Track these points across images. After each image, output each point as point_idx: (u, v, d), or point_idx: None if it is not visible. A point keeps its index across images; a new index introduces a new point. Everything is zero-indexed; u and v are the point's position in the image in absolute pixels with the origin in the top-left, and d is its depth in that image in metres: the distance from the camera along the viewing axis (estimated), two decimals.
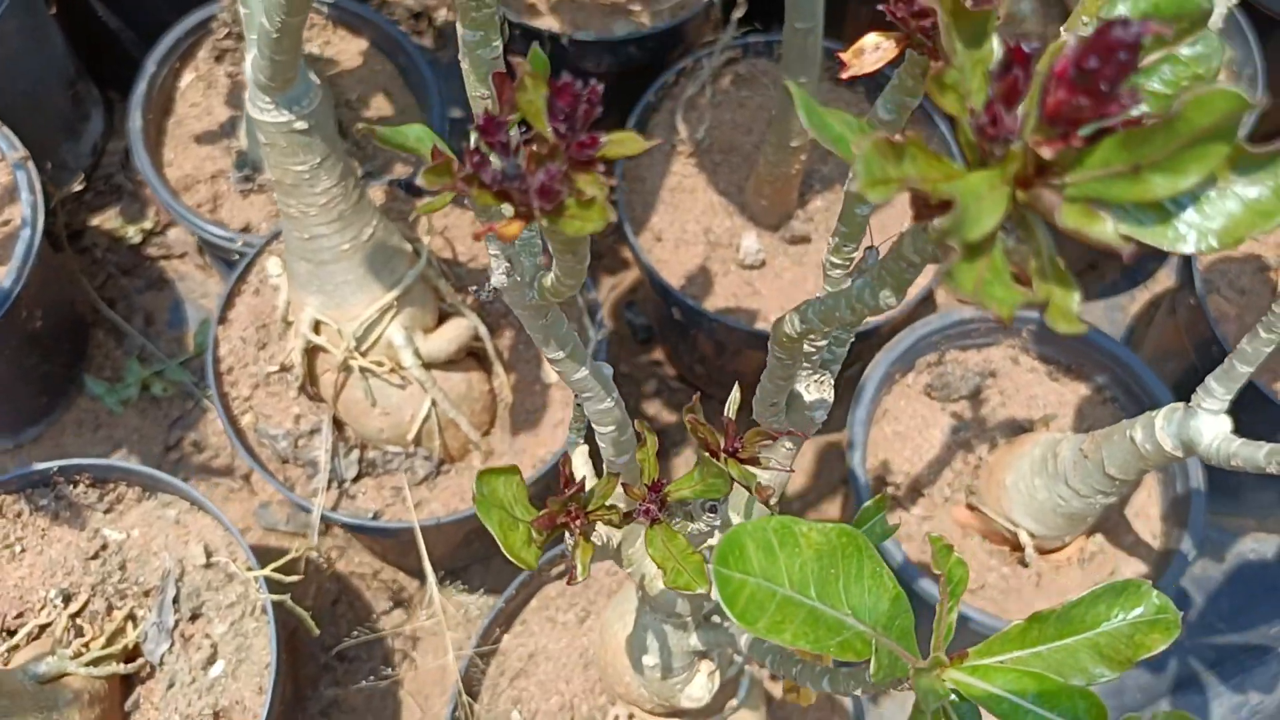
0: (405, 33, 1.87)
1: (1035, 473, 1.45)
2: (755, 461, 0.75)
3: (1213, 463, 1.17)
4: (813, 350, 0.89)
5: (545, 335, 0.82)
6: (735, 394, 0.81)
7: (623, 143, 0.56)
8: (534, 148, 0.55)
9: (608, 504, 0.74)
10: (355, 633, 1.66)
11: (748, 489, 0.73)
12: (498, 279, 0.74)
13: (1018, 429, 1.65)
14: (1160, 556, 1.57)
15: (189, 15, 1.80)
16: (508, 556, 0.69)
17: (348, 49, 1.88)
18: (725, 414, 0.78)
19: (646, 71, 1.80)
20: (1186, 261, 1.74)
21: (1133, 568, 1.57)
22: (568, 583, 0.74)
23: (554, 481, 1.54)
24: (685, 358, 1.94)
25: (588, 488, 0.98)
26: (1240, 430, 1.14)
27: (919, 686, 0.67)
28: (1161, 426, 1.23)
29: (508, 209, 0.57)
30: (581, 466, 1.06)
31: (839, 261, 0.85)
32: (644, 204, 1.76)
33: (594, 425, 0.92)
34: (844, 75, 0.60)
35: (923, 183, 0.47)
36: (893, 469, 1.63)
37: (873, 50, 0.61)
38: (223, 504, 1.85)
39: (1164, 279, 2.19)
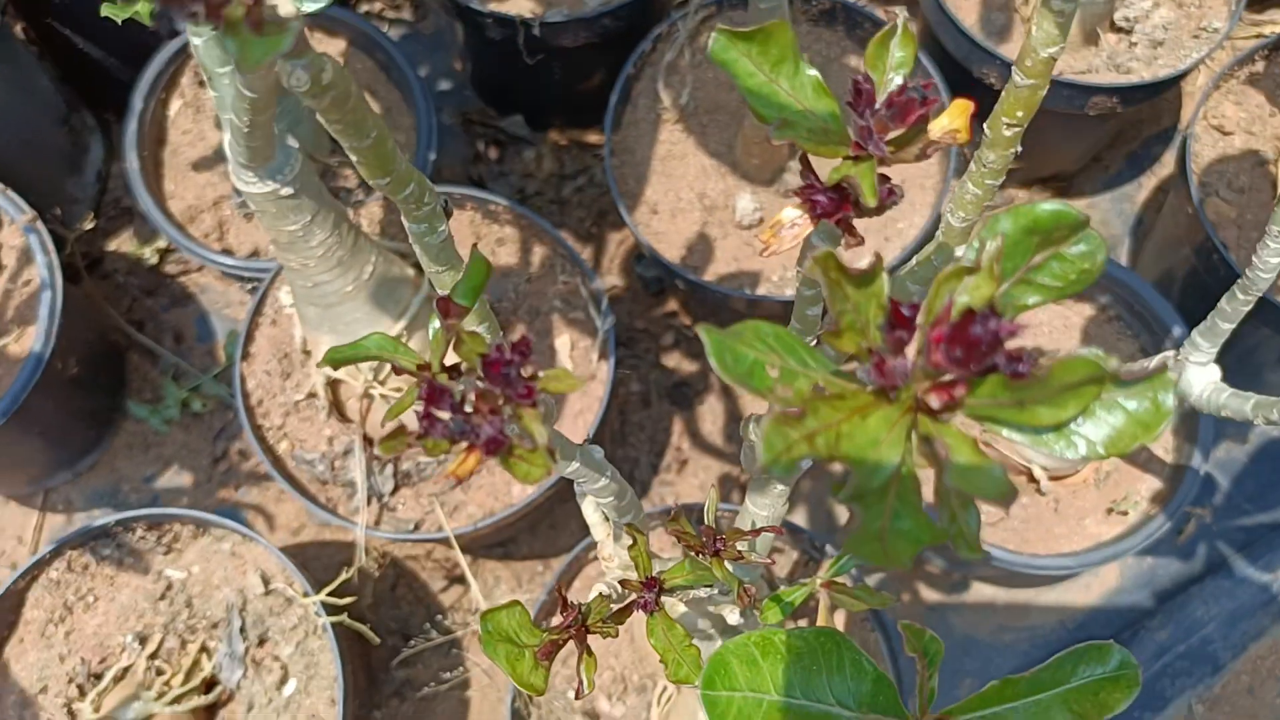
0: (381, 28, 1.87)
1: None
2: (738, 556, 0.81)
3: (1206, 411, 1.21)
4: None
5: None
6: (714, 495, 0.86)
7: (558, 378, 0.61)
8: (479, 403, 0.60)
9: (603, 620, 0.80)
10: (413, 642, 1.76)
11: (733, 592, 0.79)
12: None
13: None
14: (1173, 471, 1.61)
15: (168, 43, 1.81)
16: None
17: (327, 50, 1.88)
18: (705, 520, 0.84)
19: (625, 41, 1.80)
20: (1181, 168, 1.74)
21: (1147, 484, 1.62)
22: (576, 698, 0.81)
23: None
24: (697, 311, 1.98)
25: (598, 534, 1.04)
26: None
27: None
28: None
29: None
30: (593, 513, 1.12)
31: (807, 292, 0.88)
32: (636, 176, 1.77)
33: (595, 499, 0.99)
34: (765, 254, 0.64)
35: (823, 447, 0.51)
36: None
37: (789, 226, 0.64)
38: (277, 506, 1.95)
39: (1169, 162, 2.18)
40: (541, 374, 0.61)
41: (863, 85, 0.59)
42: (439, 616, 1.87)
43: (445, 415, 0.59)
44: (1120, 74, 1.76)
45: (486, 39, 1.84)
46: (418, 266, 1.54)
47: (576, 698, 0.78)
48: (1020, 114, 0.74)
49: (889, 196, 0.60)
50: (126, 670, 1.51)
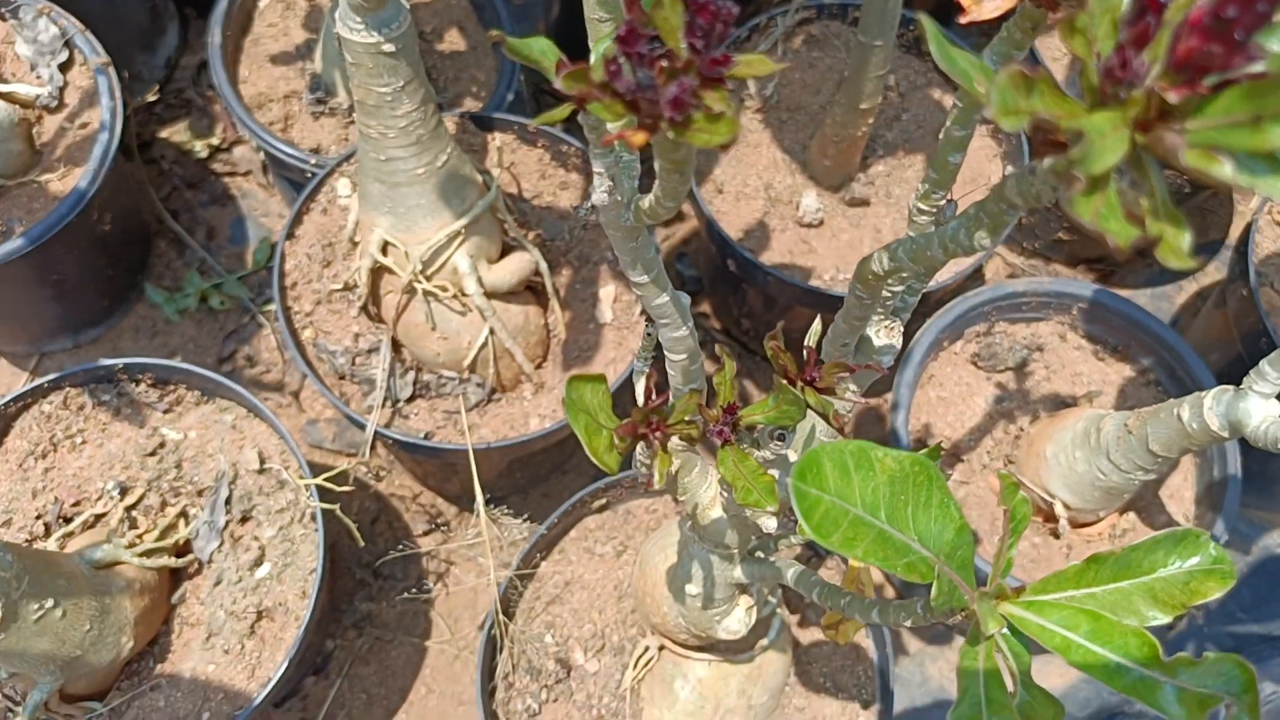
0: None
1: (1077, 445, 1.48)
2: (831, 391, 0.77)
3: (1259, 445, 1.19)
4: (888, 295, 0.92)
5: (634, 258, 0.84)
6: (817, 324, 0.84)
7: (753, 64, 0.58)
8: (666, 63, 0.58)
9: (687, 419, 0.77)
10: (401, 546, 1.70)
11: (824, 417, 0.76)
12: (599, 196, 0.77)
13: (1060, 404, 1.67)
14: None
15: None
16: (591, 458, 0.73)
17: None
18: (806, 343, 0.81)
19: None
20: (1241, 253, 1.75)
21: None
22: (646, 487, 0.77)
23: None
24: (733, 311, 1.96)
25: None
26: None
27: (979, 612, 0.70)
28: (1210, 406, 1.25)
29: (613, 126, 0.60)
30: (641, 393, 1.09)
31: (926, 208, 0.87)
32: (707, 155, 1.77)
33: (667, 352, 0.95)
34: (962, 20, 0.62)
35: (1051, 116, 0.49)
36: (934, 432, 1.65)
37: (975, 4, 0.63)
38: (275, 414, 1.89)
39: (1212, 272, 2.20)
40: (741, 58, 0.59)
41: None
42: (425, 550, 1.80)
43: (641, 72, 0.57)
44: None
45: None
46: (485, 172, 1.52)
47: (646, 488, 0.74)
48: None
49: None
50: (100, 518, 1.44)
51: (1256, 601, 1.96)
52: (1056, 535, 1.58)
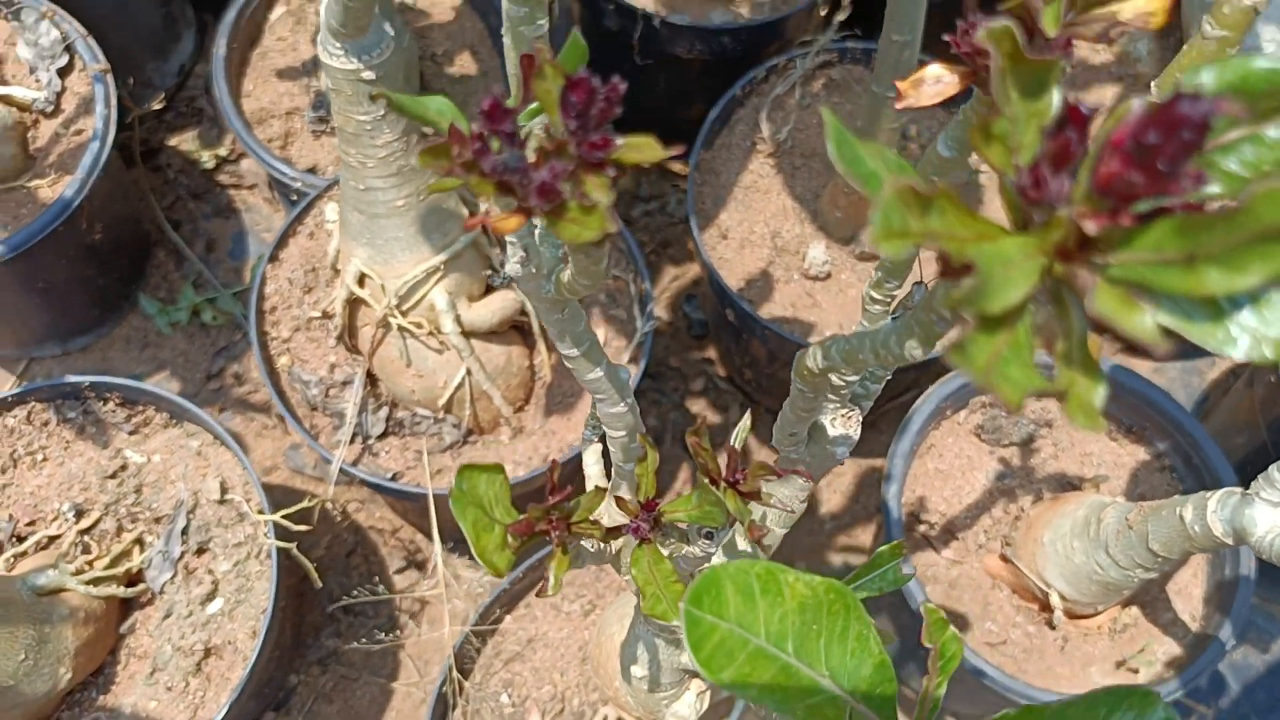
0: None
1: (1075, 535, 1.39)
2: (756, 495, 0.71)
3: (1264, 556, 1.10)
4: (842, 385, 0.85)
5: (560, 330, 0.78)
6: (746, 421, 0.77)
7: (640, 148, 0.52)
8: (542, 142, 0.51)
9: (591, 518, 0.70)
10: (356, 591, 1.65)
11: (740, 524, 0.69)
12: (512, 267, 0.71)
13: (1066, 485, 1.58)
14: (1196, 640, 1.49)
15: None
16: (476, 558, 0.66)
17: (442, 3, 1.85)
18: (731, 441, 0.74)
19: (738, 63, 1.75)
20: None
21: (1165, 648, 1.50)
22: (537, 594, 0.71)
23: (578, 470, 1.51)
24: (736, 360, 1.89)
25: (592, 487, 0.94)
26: None
27: None
28: (1214, 510, 1.16)
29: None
30: (593, 465, 1.02)
31: (879, 297, 0.80)
32: (714, 198, 1.71)
33: (606, 428, 0.89)
34: (898, 105, 0.56)
35: (945, 241, 0.42)
36: (929, 507, 1.57)
37: (933, 82, 0.56)
38: (255, 440, 1.85)
39: None
40: (625, 141, 0.53)
41: None
42: (388, 595, 1.75)
43: (500, 148, 0.50)
44: None
45: (603, 29, 1.80)
46: (470, 205, 1.47)
47: (538, 595, 0.68)
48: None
49: (1067, 47, 0.52)
50: (53, 540, 1.40)
51: (1272, 703, 1.85)
52: (1052, 625, 1.49)
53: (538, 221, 0.69)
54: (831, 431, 0.88)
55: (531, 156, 0.52)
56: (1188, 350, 2.09)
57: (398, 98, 0.59)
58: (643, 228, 2.06)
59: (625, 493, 0.94)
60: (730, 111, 1.74)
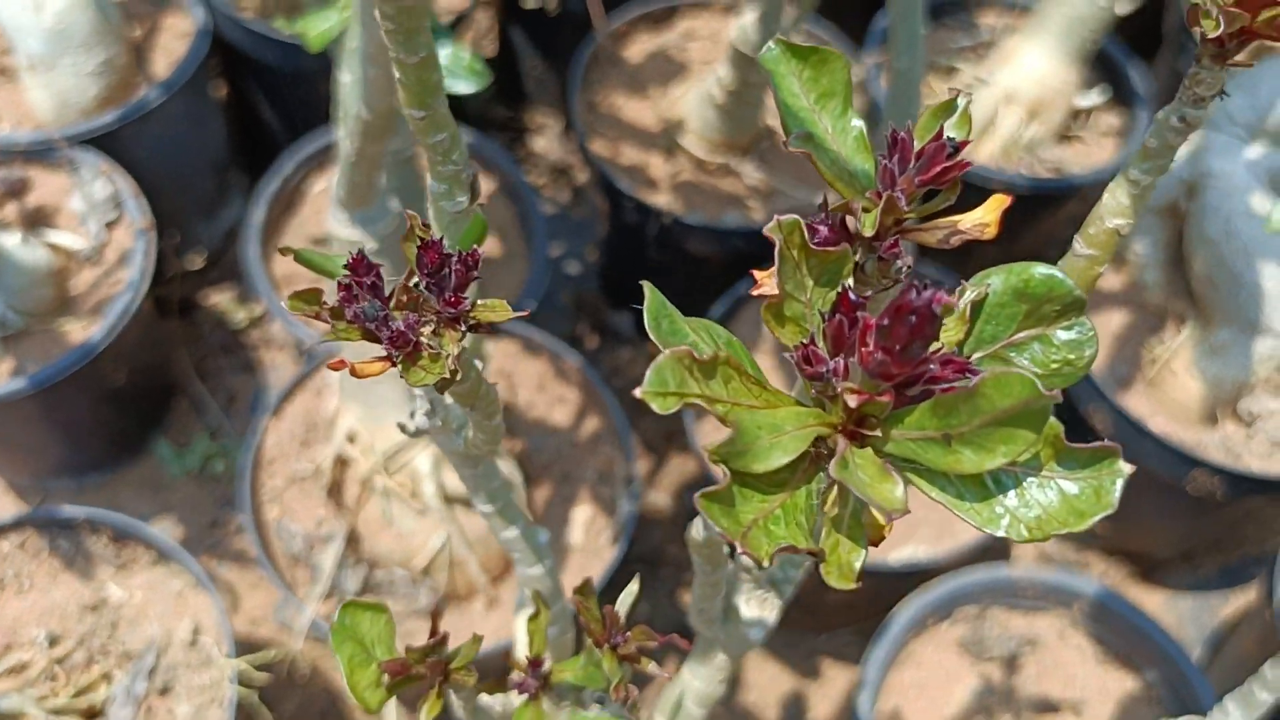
0: (534, 186, 1.94)
1: None
2: (635, 659, 0.72)
3: None
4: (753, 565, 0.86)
5: (475, 485, 0.81)
6: (633, 586, 0.79)
7: (493, 309, 0.57)
8: (403, 297, 0.56)
9: (467, 666, 0.72)
10: None
11: (612, 685, 0.70)
12: (420, 420, 0.74)
13: (1048, 707, 1.54)
14: None
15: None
16: (350, 695, 0.68)
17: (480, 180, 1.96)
18: (617, 606, 0.76)
19: (749, 263, 1.81)
20: (1269, 573, 1.62)
21: None
22: None
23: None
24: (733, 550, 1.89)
25: (517, 654, 0.95)
26: None
27: None
28: None
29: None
30: (520, 632, 1.03)
31: None
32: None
33: (522, 587, 0.91)
34: (753, 292, 0.59)
35: (709, 404, 0.45)
36: None
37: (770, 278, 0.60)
38: (249, 591, 1.87)
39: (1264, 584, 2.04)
40: (481, 302, 0.57)
41: (900, 136, 0.56)
42: None
43: (366, 302, 0.55)
44: (1228, 459, 1.68)
45: (622, 223, 1.89)
46: None
47: None
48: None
49: (892, 249, 0.56)
50: (24, 665, 1.43)
51: None
52: None
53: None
54: (745, 613, 0.88)
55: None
56: (1199, 582, 2.05)
57: (302, 252, 0.64)
58: (653, 419, 2.10)
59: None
60: (735, 309, 1.80)
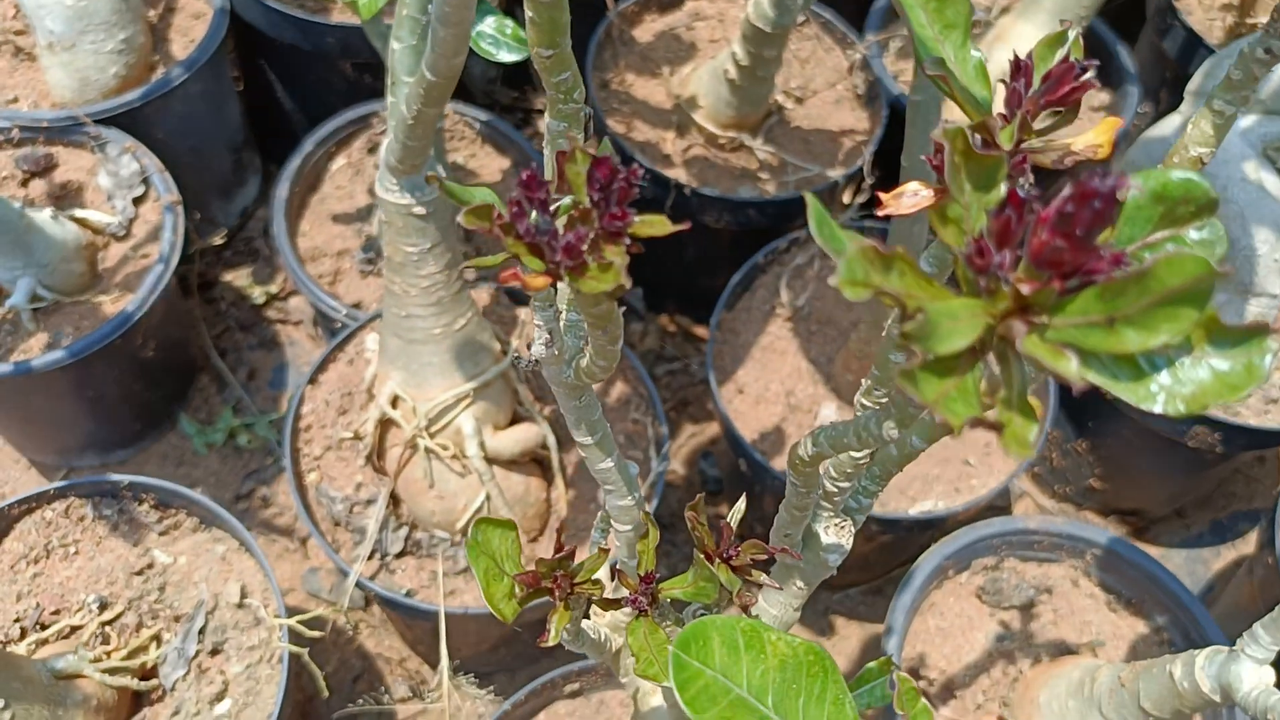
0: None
1: (1070, 694, 1.41)
2: (748, 571, 0.76)
3: (1250, 714, 1.13)
4: (835, 491, 0.91)
5: (578, 417, 0.86)
6: (742, 503, 0.83)
7: (652, 224, 0.61)
8: (569, 213, 0.60)
9: (594, 578, 0.76)
10: (362, 700, 1.67)
11: (732, 594, 0.75)
12: (537, 349, 0.79)
13: (1065, 650, 1.60)
14: None
15: (355, 107, 1.95)
16: (487, 606, 0.72)
17: (490, 165, 2.00)
18: (728, 519, 0.80)
19: (763, 234, 1.87)
20: (1270, 521, 1.70)
21: None
22: (538, 643, 0.76)
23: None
24: (748, 515, 1.94)
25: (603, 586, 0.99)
26: None
27: None
28: (1202, 666, 1.20)
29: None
30: (601, 571, 1.08)
31: (869, 404, 0.87)
32: (733, 357, 1.80)
33: (613, 523, 0.95)
34: (879, 212, 0.64)
35: (900, 294, 0.50)
36: (928, 664, 1.59)
37: (911, 195, 0.65)
38: (275, 561, 1.90)
39: (1252, 541, 2.13)
40: (640, 218, 0.61)
41: (1024, 62, 0.61)
42: (391, 704, 1.76)
43: (535, 215, 0.59)
44: (1227, 413, 1.76)
45: (639, 197, 1.93)
46: (506, 342, 1.56)
47: (539, 643, 0.73)
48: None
49: (1020, 164, 0.61)
50: (75, 629, 1.45)
51: None
52: None
53: (562, 288, 0.78)
54: (825, 539, 0.93)
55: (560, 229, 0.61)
56: (1191, 539, 2.13)
57: (448, 184, 0.68)
58: (665, 385, 2.15)
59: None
60: (752, 278, 1.85)
